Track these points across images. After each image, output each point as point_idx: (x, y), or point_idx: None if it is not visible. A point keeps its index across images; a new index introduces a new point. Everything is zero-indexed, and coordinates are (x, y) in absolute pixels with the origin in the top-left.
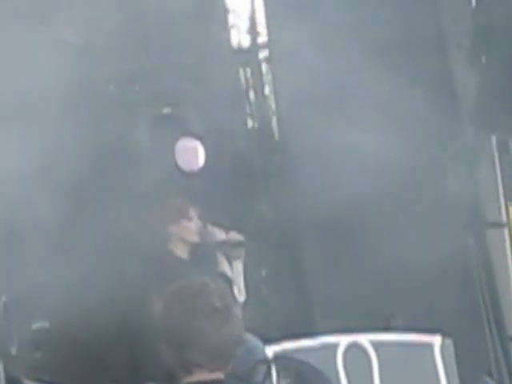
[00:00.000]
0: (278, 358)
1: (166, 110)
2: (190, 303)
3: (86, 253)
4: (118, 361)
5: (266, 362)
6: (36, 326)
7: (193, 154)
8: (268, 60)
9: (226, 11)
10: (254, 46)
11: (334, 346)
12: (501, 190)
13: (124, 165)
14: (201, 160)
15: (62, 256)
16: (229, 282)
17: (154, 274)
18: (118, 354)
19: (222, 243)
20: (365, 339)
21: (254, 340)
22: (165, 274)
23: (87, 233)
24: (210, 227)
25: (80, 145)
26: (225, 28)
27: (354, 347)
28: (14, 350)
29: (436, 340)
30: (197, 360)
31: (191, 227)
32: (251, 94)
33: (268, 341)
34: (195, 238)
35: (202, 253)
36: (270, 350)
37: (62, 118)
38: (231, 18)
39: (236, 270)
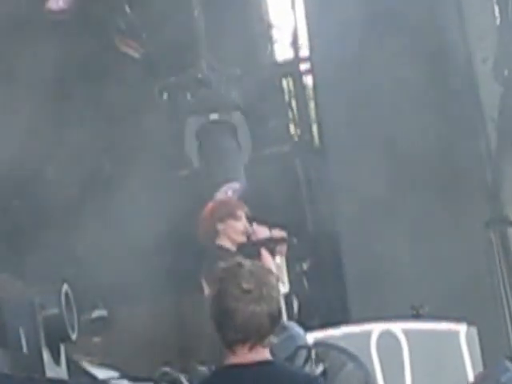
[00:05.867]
0: (318, 343)
1: (214, 117)
2: (222, 285)
3: (145, 243)
4: (170, 345)
5: (307, 347)
6: (95, 314)
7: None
8: (309, 71)
9: (269, 26)
10: (296, 59)
11: (368, 334)
12: None
13: (176, 165)
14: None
15: (122, 247)
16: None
17: (206, 263)
18: (170, 338)
19: (267, 240)
20: (396, 327)
21: (295, 327)
22: (215, 262)
23: (145, 227)
24: (255, 225)
25: (134, 145)
26: (269, 42)
27: (386, 334)
28: (74, 336)
29: (462, 328)
30: (233, 338)
31: (238, 227)
32: (293, 103)
33: (308, 328)
34: (241, 238)
35: (248, 248)
36: (310, 337)
37: (122, 123)
38: (275, 33)
39: (279, 264)
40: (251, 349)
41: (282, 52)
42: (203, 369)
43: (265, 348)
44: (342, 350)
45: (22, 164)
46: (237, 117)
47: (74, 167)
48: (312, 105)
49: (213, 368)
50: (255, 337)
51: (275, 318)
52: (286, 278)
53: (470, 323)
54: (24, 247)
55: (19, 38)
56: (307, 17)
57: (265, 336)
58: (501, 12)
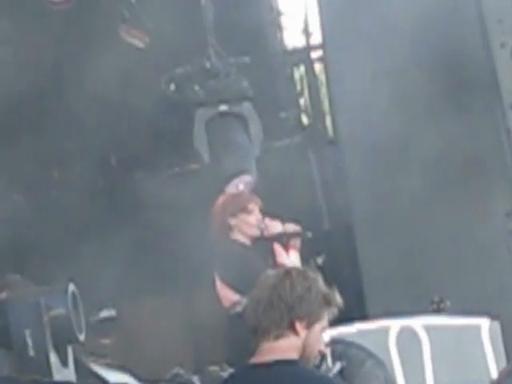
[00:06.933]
0: (335, 341)
1: (223, 108)
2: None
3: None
4: (182, 344)
5: None
6: (103, 314)
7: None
8: (321, 59)
9: (279, 13)
10: (308, 46)
11: (386, 330)
12: None
13: (185, 157)
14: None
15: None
16: None
17: (219, 259)
18: (182, 337)
19: (280, 234)
20: (416, 323)
21: None
22: (228, 258)
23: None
24: (267, 220)
25: (143, 139)
26: (279, 29)
27: (405, 331)
28: (82, 337)
29: (484, 323)
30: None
31: (250, 221)
32: (305, 92)
33: None
34: (254, 232)
35: (261, 243)
36: (327, 335)
37: (127, 115)
38: (284, 20)
39: (293, 259)
40: (272, 347)
41: (292, 40)
42: (216, 369)
43: (290, 346)
44: (360, 348)
45: (28, 162)
46: (247, 108)
47: (80, 163)
48: (324, 93)
49: (226, 367)
50: (275, 331)
51: (296, 313)
52: None
53: (492, 317)
54: (29, 247)
55: (20, 29)
56: (319, 2)
57: (285, 331)
58: None
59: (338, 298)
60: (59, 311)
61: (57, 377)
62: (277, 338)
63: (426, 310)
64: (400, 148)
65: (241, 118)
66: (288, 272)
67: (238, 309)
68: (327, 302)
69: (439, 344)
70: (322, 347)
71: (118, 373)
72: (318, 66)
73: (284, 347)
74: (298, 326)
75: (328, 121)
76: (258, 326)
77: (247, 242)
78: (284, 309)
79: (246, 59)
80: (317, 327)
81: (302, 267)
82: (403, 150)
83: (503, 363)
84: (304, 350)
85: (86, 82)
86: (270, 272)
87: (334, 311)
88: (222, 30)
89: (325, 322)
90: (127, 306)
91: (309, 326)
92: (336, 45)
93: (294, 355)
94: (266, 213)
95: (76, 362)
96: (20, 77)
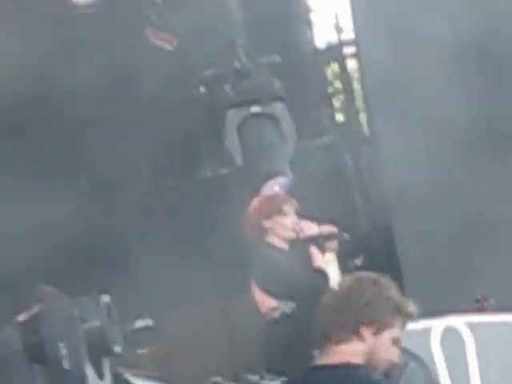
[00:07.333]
0: None
1: (255, 109)
2: None
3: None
4: (220, 352)
5: None
6: (139, 324)
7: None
8: (354, 55)
9: (308, 10)
10: (339, 43)
11: (429, 330)
12: None
13: (217, 161)
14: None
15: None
16: (325, 277)
17: (255, 263)
18: (220, 345)
19: (316, 237)
20: (459, 322)
21: None
22: (264, 262)
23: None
24: (303, 221)
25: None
26: (308, 26)
27: (448, 330)
28: (118, 349)
29: None
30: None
31: (286, 223)
32: (338, 90)
33: None
34: (289, 234)
35: (297, 246)
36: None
37: (156, 120)
38: (314, 17)
39: (330, 261)
40: (335, 351)
41: (324, 37)
42: (256, 377)
43: (354, 352)
44: (403, 349)
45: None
46: (279, 108)
47: (111, 168)
48: (359, 90)
49: (266, 376)
50: (337, 335)
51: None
52: (337, 276)
53: None
54: (61, 258)
55: (45, 32)
56: None
57: (350, 336)
58: None
59: (413, 308)
60: (93, 323)
61: None
62: (340, 342)
63: (469, 308)
64: (437, 143)
65: (273, 119)
66: (359, 277)
67: (275, 314)
68: (399, 310)
69: (484, 343)
70: (395, 358)
71: None
72: (350, 63)
73: (347, 352)
74: (365, 331)
75: (363, 118)
76: (324, 331)
77: (283, 244)
78: (350, 313)
79: (277, 58)
80: (386, 335)
81: (375, 273)
82: (440, 145)
83: None
84: (370, 357)
85: (113, 87)
86: (345, 278)
87: (408, 321)
88: (252, 29)
89: (396, 330)
90: (164, 315)
91: (377, 332)
92: (369, 40)
93: (358, 361)
94: (301, 215)
95: (113, 374)
96: (44, 82)
